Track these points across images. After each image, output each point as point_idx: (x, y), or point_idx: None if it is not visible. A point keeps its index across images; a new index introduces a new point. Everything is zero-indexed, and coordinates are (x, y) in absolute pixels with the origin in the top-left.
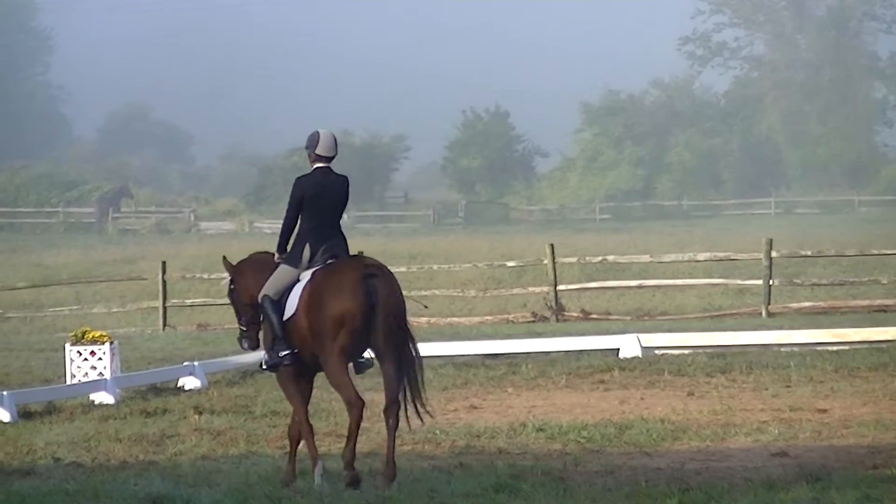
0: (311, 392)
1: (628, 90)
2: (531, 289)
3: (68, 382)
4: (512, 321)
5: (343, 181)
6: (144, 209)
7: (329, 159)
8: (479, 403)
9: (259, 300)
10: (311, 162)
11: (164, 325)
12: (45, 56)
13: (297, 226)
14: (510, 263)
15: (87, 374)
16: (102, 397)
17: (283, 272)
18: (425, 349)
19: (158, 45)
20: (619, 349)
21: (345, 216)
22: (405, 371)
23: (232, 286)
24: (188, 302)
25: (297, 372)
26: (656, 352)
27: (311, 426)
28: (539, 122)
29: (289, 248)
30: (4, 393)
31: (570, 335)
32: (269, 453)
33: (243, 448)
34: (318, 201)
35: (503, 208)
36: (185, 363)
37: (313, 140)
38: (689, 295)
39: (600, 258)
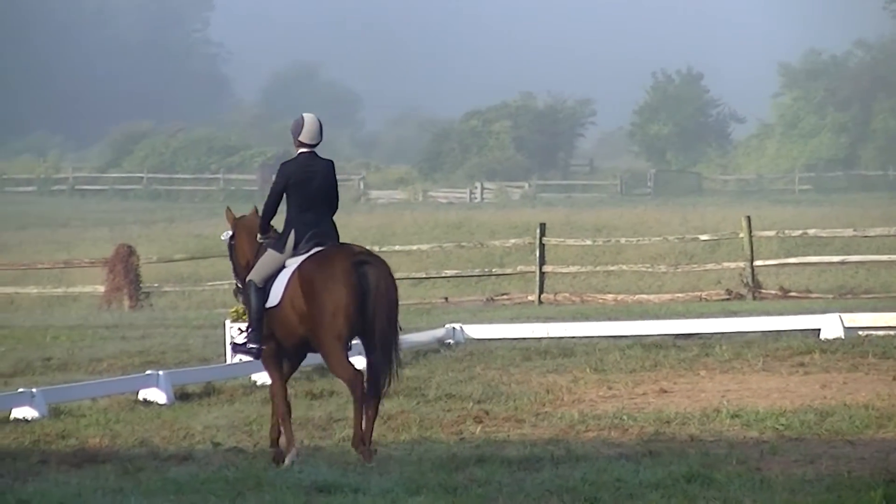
0: (291, 372)
1: (830, 51)
2: (726, 264)
3: (228, 362)
4: (705, 299)
5: (328, 166)
6: None
7: (313, 146)
8: (669, 387)
9: (244, 284)
10: (295, 147)
11: None
12: (205, 11)
13: (286, 211)
14: (703, 237)
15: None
16: (265, 378)
17: (269, 258)
18: (612, 328)
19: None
20: (819, 329)
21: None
22: (390, 360)
23: (231, 242)
24: None
25: (279, 353)
26: (860, 332)
27: (288, 407)
28: (735, 85)
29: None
30: (160, 373)
31: (768, 314)
32: (444, 439)
33: (416, 433)
34: (303, 187)
35: (695, 178)
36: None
37: (298, 126)
38: (895, 272)
39: (800, 232)
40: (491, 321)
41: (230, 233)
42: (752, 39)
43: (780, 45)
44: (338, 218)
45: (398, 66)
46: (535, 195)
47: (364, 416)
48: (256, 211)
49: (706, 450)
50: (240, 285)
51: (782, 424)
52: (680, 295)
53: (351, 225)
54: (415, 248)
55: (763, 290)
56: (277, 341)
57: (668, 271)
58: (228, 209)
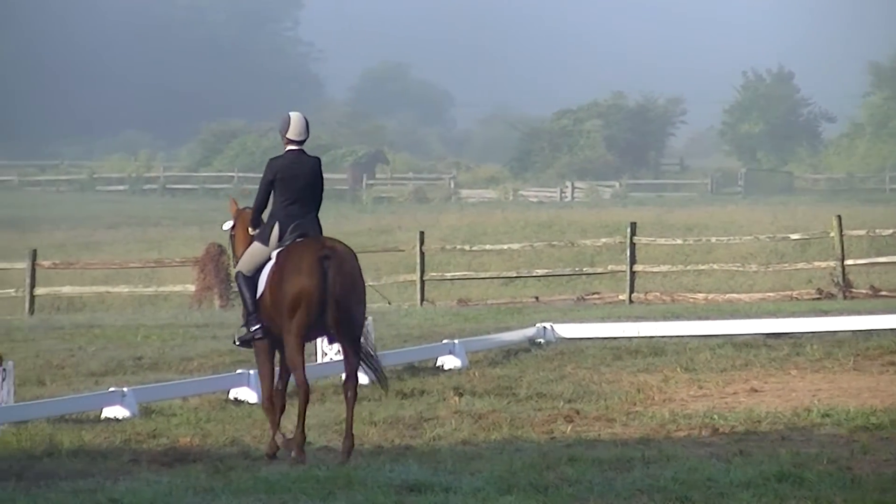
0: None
1: None
2: (816, 263)
3: (318, 361)
4: (795, 298)
5: (315, 163)
6: (401, 175)
7: (300, 143)
8: (759, 386)
9: (235, 275)
10: (284, 145)
11: (422, 299)
12: (294, 10)
13: (272, 205)
14: (794, 236)
15: (338, 352)
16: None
17: (256, 249)
18: (703, 327)
19: None
20: None
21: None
22: (357, 348)
23: (232, 232)
24: (448, 275)
25: (271, 346)
26: None
27: (271, 395)
28: (825, 84)
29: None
30: (251, 372)
31: (859, 313)
32: (535, 438)
33: (506, 433)
34: (289, 183)
35: (786, 177)
36: (445, 341)
37: (285, 123)
38: None
39: (891, 231)
40: (581, 320)
41: (231, 223)
42: (842, 37)
43: (871, 43)
44: (427, 217)
45: (489, 64)
46: (625, 194)
47: (345, 403)
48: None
49: (797, 449)
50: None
51: (873, 424)
52: (770, 294)
53: (441, 224)
54: (505, 247)
55: (854, 290)
56: (268, 331)
57: (759, 270)
58: (233, 199)
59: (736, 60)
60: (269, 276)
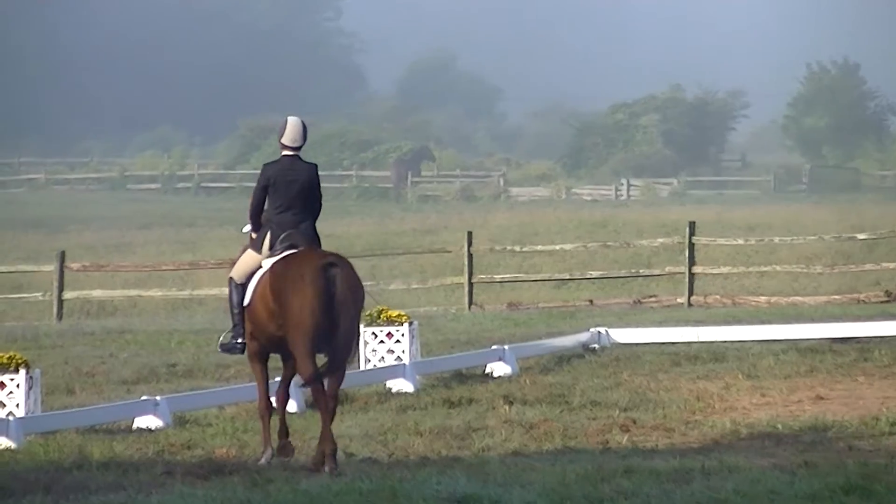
0: (291, 374)
1: None
2: (885, 265)
3: (362, 368)
4: (863, 301)
5: (310, 169)
6: (447, 173)
7: (295, 149)
8: (825, 394)
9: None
10: (280, 150)
11: (470, 303)
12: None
13: (266, 212)
14: (861, 236)
15: (382, 358)
16: (400, 385)
17: (248, 257)
18: (765, 331)
19: None
20: None
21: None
22: (345, 358)
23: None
24: (497, 277)
25: (262, 354)
26: None
27: (270, 408)
28: (893, 76)
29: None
30: None
31: None
32: (589, 448)
33: (559, 443)
34: (282, 189)
35: (853, 173)
36: (494, 347)
37: (281, 128)
38: None
39: None
40: (638, 324)
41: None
42: None
43: None
44: (475, 216)
45: (540, 55)
46: (684, 192)
47: (323, 413)
48: None
49: (865, 460)
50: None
51: None
52: (836, 297)
53: (490, 224)
54: (558, 248)
55: None
56: (256, 339)
57: (824, 272)
58: None
59: (799, 51)
60: (259, 286)
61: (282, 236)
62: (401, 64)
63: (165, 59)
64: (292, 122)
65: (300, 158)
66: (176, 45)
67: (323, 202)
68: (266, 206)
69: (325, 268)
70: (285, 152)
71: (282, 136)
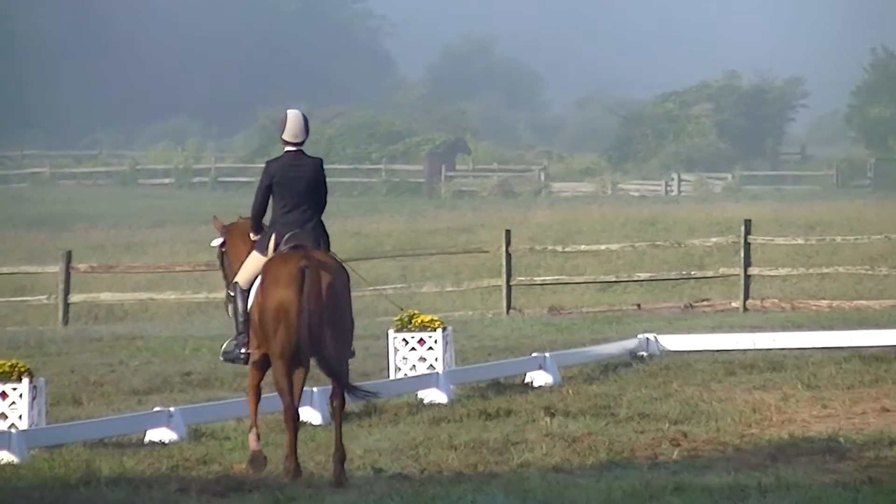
0: (302, 384)
1: None
2: None
3: (391, 377)
4: None
5: (315, 164)
6: (484, 167)
7: (297, 144)
8: (891, 405)
9: (232, 287)
10: (282, 146)
11: (508, 307)
12: None
13: (271, 211)
14: None
15: (414, 366)
16: (433, 395)
17: (253, 260)
18: (826, 338)
19: None
20: None
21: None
22: (332, 359)
23: (223, 249)
24: (538, 280)
25: (262, 366)
26: None
27: (255, 419)
28: None
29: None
30: (314, 390)
31: None
32: (637, 464)
33: (604, 457)
34: (287, 187)
35: None
36: (534, 354)
37: (281, 123)
38: None
39: None
40: (689, 330)
41: (221, 240)
42: None
43: None
44: (514, 213)
45: (583, 40)
46: (739, 187)
47: (332, 417)
48: (246, 219)
49: None
50: (231, 293)
51: None
52: None
53: (530, 221)
54: (603, 247)
55: None
56: (260, 347)
57: (891, 274)
58: (215, 217)
59: (864, 35)
60: (256, 290)
61: (287, 236)
62: (433, 48)
63: (180, 42)
64: (292, 116)
65: (304, 153)
66: (191, 27)
67: (352, 197)
68: (271, 206)
69: (300, 270)
70: (287, 148)
71: (282, 131)
